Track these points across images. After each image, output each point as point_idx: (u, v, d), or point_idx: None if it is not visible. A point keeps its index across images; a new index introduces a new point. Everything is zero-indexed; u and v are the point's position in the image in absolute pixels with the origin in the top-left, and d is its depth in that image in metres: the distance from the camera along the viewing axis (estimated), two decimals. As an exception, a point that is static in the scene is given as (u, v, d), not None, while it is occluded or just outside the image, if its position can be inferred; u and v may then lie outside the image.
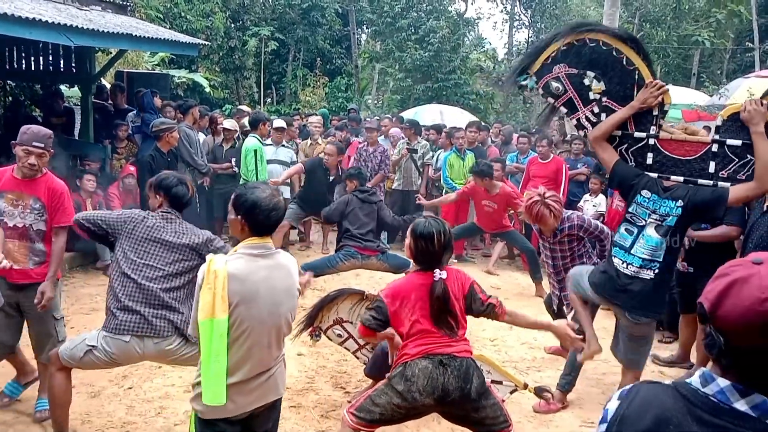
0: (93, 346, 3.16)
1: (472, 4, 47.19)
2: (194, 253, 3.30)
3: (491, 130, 10.10)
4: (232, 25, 19.97)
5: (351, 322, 4.06)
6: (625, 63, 3.46)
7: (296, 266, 2.71)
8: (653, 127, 3.45)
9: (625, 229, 3.50)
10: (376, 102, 21.79)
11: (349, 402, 3.60)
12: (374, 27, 20.55)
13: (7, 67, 9.63)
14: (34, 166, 3.56)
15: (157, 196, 3.43)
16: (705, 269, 4.14)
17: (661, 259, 3.35)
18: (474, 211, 7.68)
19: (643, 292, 3.39)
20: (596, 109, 3.56)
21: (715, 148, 3.30)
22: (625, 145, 3.54)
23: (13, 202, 3.60)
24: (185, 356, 3.29)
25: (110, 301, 3.23)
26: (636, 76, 3.45)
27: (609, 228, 4.64)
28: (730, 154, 3.26)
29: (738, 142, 3.23)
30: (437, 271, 2.88)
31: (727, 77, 19.42)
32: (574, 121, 3.66)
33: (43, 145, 3.56)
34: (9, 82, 10.93)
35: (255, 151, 7.40)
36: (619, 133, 3.53)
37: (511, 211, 7.33)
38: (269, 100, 21.60)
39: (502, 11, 24.77)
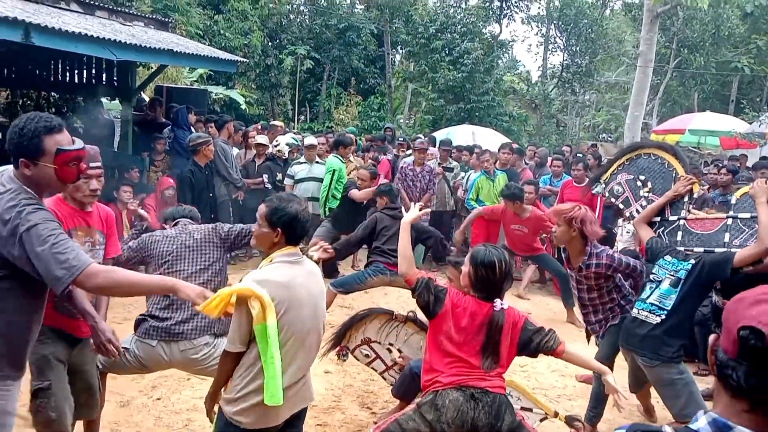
0: (126, 348, 3.28)
1: (506, 26, 47.36)
2: (210, 245, 3.54)
3: (526, 153, 10.02)
4: (269, 44, 20.34)
5: (379, 343, 4.04)
6: (666, 166, 4.39)
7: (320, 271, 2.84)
8: (683, 211, 4.19)
9: (648, 287, 3.94)
10: (408, 122, 21.88)
11: (375, 423, 3.56)
12: (408, 48, 20.70)
13: (52, 78, 9.93)
14: (97, 192, 3.04)
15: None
16: None
17: (669, 308, 3.72)
18: (504, 234, 7.61)
19: (650, 335, 3.70)
20: (644, 203, 4.41)
21: (729, 221, 3.95)
22: (662, 228, 4.25)
23: (82, 240, 3.00)
24: (213, 367, 3.31)
25: (148, 307, 3.41)
26: (674, 175, 4.31)
27: (642, 255, 4.55)
28: (741, 226, 3.88)
29: (747, 215, 3.87)
30: (498, 301, 2.83)
31: (767, 104, 19.04)
32: (627, 213, 4.53)
33: (100, 164, 3.07)
34: (53, 93, 11.25)
35: (333, 171, 7.53)
36: (658, 219, 4.28)
37: (544, 235, 7.23)
38: (303, 117, 21.86)
39: (537, 34, 24.72)
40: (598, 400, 4.17)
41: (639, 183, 4.46)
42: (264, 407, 2.51)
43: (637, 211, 4.45)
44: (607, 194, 4.62)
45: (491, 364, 2.79)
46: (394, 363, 4.10)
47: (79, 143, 2.42)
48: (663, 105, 22.62)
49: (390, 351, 4.08)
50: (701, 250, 3.94)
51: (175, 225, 3.70)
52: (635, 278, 4.22)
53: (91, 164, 2.93)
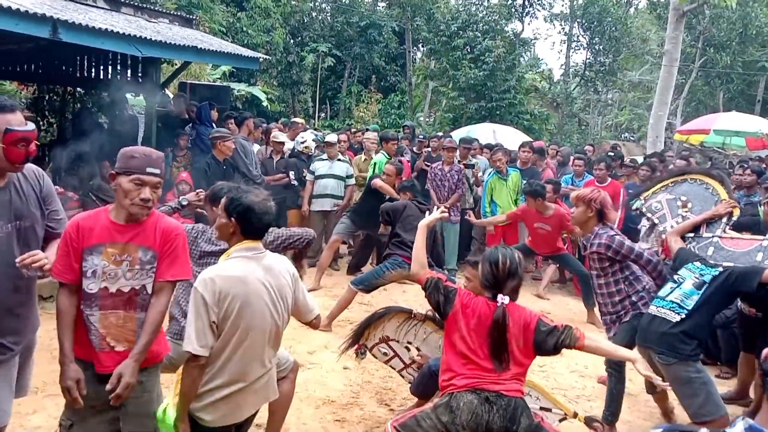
0: None
1: (529, 24, 46.99)
2: None
3: (549, 152, 9.95)
4: (291, 41, 20.44)
5: (397, 341, 4.04)
6: (711, 192, 4.53)
7: (287, 265, 2.78)
8: (720, 230, 4.30)
9: (669, 285, 3.92)
10: (428, 120, 21.85)
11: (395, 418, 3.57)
12: (430, 45, 20.69)
13: (78, 74, 10.08)
14: (149, 203, 2.58)
15: (214, 208, 3.53)
16: None
17: (689, 308, 3.70)
18: (524, 233, 7.57)
19: (668, 333, 3.66)
20: (680, 220, 4.52)
21: (765, 243, 4.04)
22: (694, 243, 4.33)
23: (115, 258, 2.56)
24: None
25: (173, 308, 3.36)
26: (717, 199, 4.45)
27: (665, 255, 4.51)
28: None
29: None
30: (500, 296, 2.84)
31: (794, 105, 18.72)
32: (661, 228, 4.62)
33: (159, 172, 2.61)
34: (78, 89, 11.41)
35: (375, 164, 7.88)
36: (692, 234, 4.38)
37: (565, 234, 7.17)
38: (323, 115, 21.94)
39: (559, 32, 24.55)
40: (612, 399, 4.16)
41: (679, 203, 4.60)
42: (229, 403, 2.55)
43: (672, 227, 4.53)
44: (644, 209, 4.76)
45: (503, 365, 2.78)
46: (413, 361, 4.11)
47: (30, 126, 2.46)
48: (687, 104, 22.34)
49: (408, 349, 4.09)
50: (731, 265, 3.95)
51: None
52: (650, 271, 4.15)
53: (148, 169, 2.56)
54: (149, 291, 2.61)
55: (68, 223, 2.61)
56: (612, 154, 9.62)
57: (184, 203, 3.95)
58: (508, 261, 2.87)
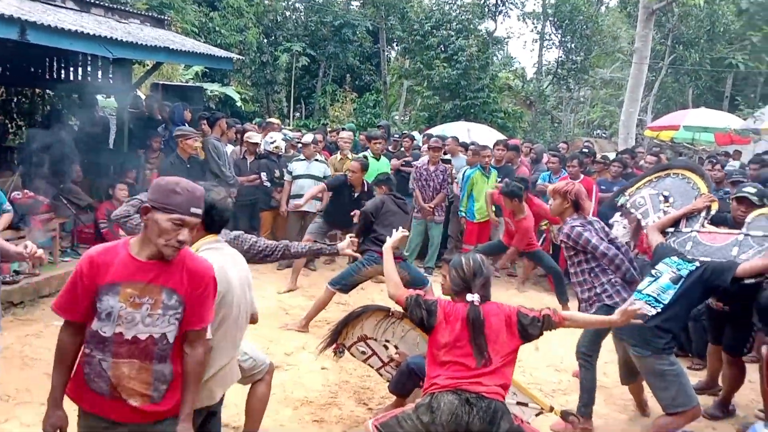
0: None
1: (502, 23, 47.30)
2: None
3: (522, 149, 10.04)
4: (265, 41, 20.31)
5: (375, 339, 4.05)
6: (691, 186, 4.66)
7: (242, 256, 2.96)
8: (698, 225, 4.42)
9: (647, 279, 3.99)
10: (403, 119, 21.89)
11: (375, 415, 3.58)
12: (404, 45, 20.71)
13: (47, 76, 9.91)
14: (184, 244, 2.35)
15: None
16: (737, 309, 4.42)
17: (666, 301, 3.78)
18: (498, 232, 7.66)
19: (643, 327, 3.64)
20: (661, 215, 4.63)
21: (740, 237, 4.17)
22: (674, 238, 4.43)
23: (134, 300, 2.29)
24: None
25: None
26: (697, 193, 4.58)
27: (638, 250, 4.62)
28: (752, 243, 4.11)
29: (760, 233, 4.12)
30: (469, 294, 2.92)
31: (761, 100, 19.13)
32: (644, 222, 4.73)
33: (201, 211, 2.40)
34: (48, 91, 11.22)
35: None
36: (672, 229, 4.49)
37: (544, 225, 7.24)
38: (298, 114, 21.85)
39: (532, 31, 24.77)
40: (584, 390, 4.25)
41: (661, 198, 4.74)
42: (204, 387, 2.62)
43: (653, 222, 4.64)
44: (628, 205, 4.89)
45: (482, 359, 2.83)
46: (391, 359, 4.13)
47: None
48: (658, 101, 22.70)
49: (386, 348, 4.11)
50: (708, 260, 4.06)
51: None
52: (606, 264, 4.15)
53: (192, 209, 2.32)
54: (170, 341, 2.34)
55: (82, 256, 2.37)
56: (585, 150, 9.76)
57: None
58: (471, 261, 3.02)
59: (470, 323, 2.85)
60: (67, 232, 6.99)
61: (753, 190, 4.63)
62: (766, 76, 22.41)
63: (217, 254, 2.71)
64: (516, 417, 2.96)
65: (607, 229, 4.48)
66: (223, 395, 2.90)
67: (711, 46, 20.06)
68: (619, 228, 7.22)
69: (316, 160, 8.01)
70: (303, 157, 7.99)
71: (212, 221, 2.75)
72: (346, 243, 4.06)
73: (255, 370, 3.46)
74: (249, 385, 3.51)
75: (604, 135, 26.80)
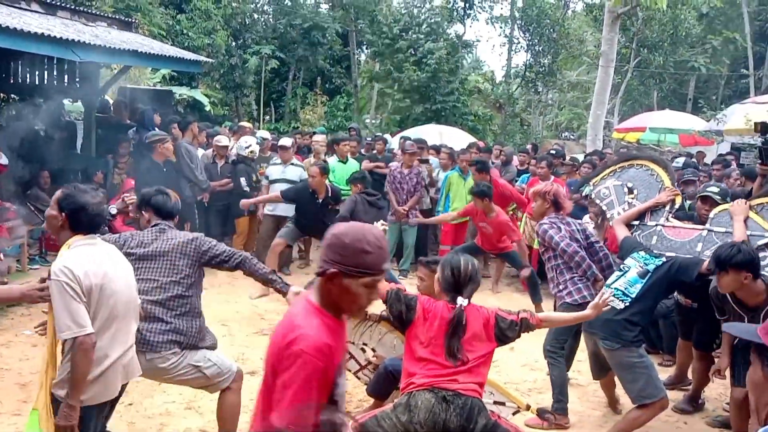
0: None
1: (470, 26, 47.80)
2: (184, 257, 3.37)
3: (492, 152, 10.15)
4: (234, 43, 20.15)
5: (353, 343, 4.06)
6: (655, 178, 4.68)
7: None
8: (663, 219, 4.47)
9: (615, 273, 4.10)
10: (374, 122, 21.92)
11: (354, 417, 3.59)
12: (374, 48, 20.74)
13: (12, 80, 9.69)
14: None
15: (144, 213, 3.55)
16: (705, 305, 4.45)
17: (633, 295, 3.87)
18: (473, 231, 7.73)
19: (613, 319, 3.79)
20: (626, 207, 4.66)
21: (704, 233, 4.26)
22: (639, 231, 4.49)
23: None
24: (182, 377, 3.34)
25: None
26: (660, 186, 4.61)
27: (609, 249, 4.72)
28: (715, 239, 4.18)
29: (722, 230, 4.20)
30: (459, 298, 2.94)
31: (722, 103, 19.63)
32: (608, 214, 4.78)
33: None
34: (12, 95, 10.97)
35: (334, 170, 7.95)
36: (637, 222, 4.54)
37: (511, 210, 7.36)
38: (268, 117, 21.72)
39: (500, 34, 24.99)
40: (555, 386, 4.34)
41: (626, 189, 4.75)
42: (98, 380, 2.65)
43: (619, 213, 4.69)
44: (593, 196, 4.93)
45: (455, 361, 2.85)
46: (368, 362, 4.13)
47: None
48: (624, 103, 23.11)
49: (364, 351, 4.11)
50: (674, 255, 4.14)
51: (154, 226, 3.47)
52: (566, 261, 4.27)
53: (384, 266, 1.91)
54: None
55: (310, 346, 1.85)
56: (553, 152, 9.88)
57: (114, 212, 3.93)
58: (469, 266, 3.02)
59: (452, 325, 2.87)
60: (35, 240, 6.86)
61: (716, 190, 4.92)
62: (727, 79, 23.05)
63: (91, 249, 2.71)
64: (493, 413, 3.00)
65: (588, 231, 4.59)
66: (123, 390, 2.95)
67: (674, 50, 20.51)
68: (589, 228, 7.38)
69: (292, 164, 7.96)
70: (279, 161, 7.95)
71: (78, 221, 2.69)
72: (295, 291, 3.49)
73: (220, 377, 3.42)
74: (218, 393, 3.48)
75: (572, 137, 27.22)
